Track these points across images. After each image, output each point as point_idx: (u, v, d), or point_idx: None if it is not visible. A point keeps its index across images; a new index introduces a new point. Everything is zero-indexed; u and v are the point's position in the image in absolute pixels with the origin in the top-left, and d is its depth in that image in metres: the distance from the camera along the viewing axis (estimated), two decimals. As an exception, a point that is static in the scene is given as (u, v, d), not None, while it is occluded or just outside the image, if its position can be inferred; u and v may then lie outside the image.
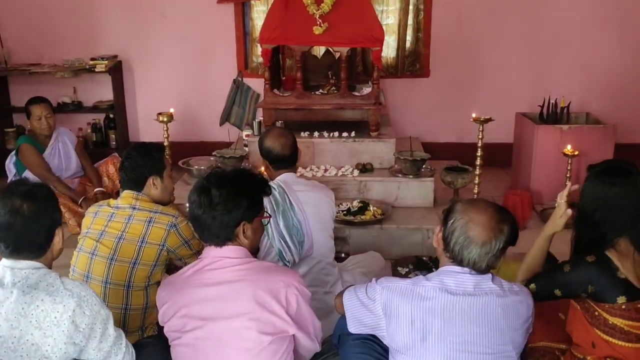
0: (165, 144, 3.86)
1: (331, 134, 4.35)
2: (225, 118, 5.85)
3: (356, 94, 4.33)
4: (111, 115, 5.73)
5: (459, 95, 5.65)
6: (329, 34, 4.12)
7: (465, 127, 5.61)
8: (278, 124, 4.31)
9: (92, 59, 5.48)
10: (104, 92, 5.77)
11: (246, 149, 4.51)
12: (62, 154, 4.32)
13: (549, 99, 4.81)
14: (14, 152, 4.31)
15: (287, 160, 2.87)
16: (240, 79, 5.76)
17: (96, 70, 5.42)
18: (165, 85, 5.78)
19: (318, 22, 4.11)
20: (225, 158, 4.12)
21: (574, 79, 5.51)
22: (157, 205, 2.76)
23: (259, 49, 5.70)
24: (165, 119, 3.80)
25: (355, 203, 3.93)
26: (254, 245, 2.12)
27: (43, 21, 5.68)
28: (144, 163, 2.77)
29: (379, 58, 4.20)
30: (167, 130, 3.91)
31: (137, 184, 2.77)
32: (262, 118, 4.50)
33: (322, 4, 4.12)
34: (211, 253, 2.01)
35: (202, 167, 4.77)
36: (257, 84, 5.71)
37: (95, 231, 2.67)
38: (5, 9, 5.63)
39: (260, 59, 5.72)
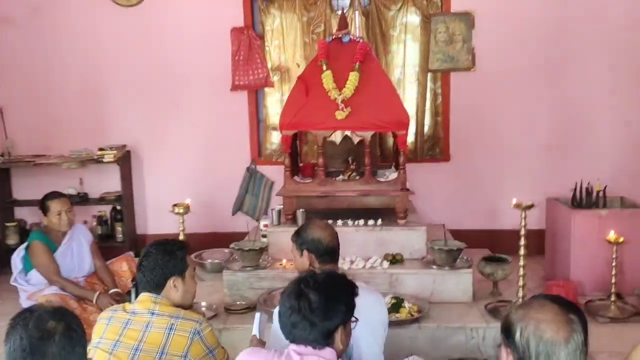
0: (181, 237, 3.56)
1: (355, 222, 4.07)
2: (238, 207, 5.62)
3: (381, 179, 4.09)
4: (118, 207, 5.46)
5: (481, 180, 5.43)
6: (352, 118, 3.94)
7: (490, 213, 5.39)
8: (299, 212, 4.04)
9: (100, 149, 5.28)
10: (111, 183, 5.53)
11: (264, 239, 4.21)
12: (76, 254, 4.02)
13: (581, 183, 4.57)
14: (23, 247, 4.02)
15: (335, 253, 2.61)
16: (253, 167, 5.58)
17: (104, 160, 5.21)
18: (176, 175, 5.56)
19: (340, 107, 3.93)
20: (244, 251, 3.81)
21: (601, 161, 5.29)
22: (178, 309, 2.45)
23: (272, 136, 5.56)
24: (181, 211, 3.52)
25: (388, 299, 3.59)
26: (345, 350, 2.04)
27: (49, 111, 5.52)
28: (164, 262, 2.49)
29: (405, 142, 4.00)
30: (182, 222, 3.63)
31: (156, 286, 2.48)
32: (281, 206, 4.23)
33: (343, 89, 3.96)
34: (306, 350, 1.92)
35: (217, 261, 4.47)
36: (271, 172, 5.53)
37: (108, 341, 2.34)
38: (10, 99, 5.49)
39: (274, 146, 5.57)
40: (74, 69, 5.48)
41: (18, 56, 5.46)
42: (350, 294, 2.04)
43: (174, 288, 2.48)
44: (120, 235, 5.43)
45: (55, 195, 4.02)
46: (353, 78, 3.97)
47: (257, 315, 2.62)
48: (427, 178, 5.46)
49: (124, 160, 5.39)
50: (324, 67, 4.04)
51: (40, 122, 5.54)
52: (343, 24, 4.28)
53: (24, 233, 5.46)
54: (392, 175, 4.13)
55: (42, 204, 3.97)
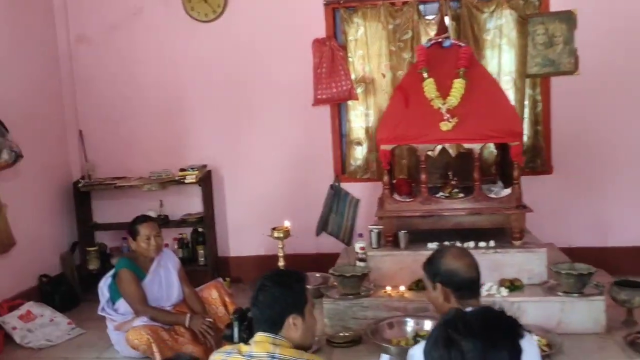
0: (281, 264, 3.28)
1: (464, 244, 3.69)
2: (322, 227, 5.30)
3: (493, 196, 3.71)
4: (200, 229, 5.26)
5: (589, 193, 4.94)
6: (459, 129, 3.58)
7: (601, 229, 4.92)
8: (401, 234, 3.70)
9: (181, 170, 5.09)
10: (191, 204, 5.35)
11: (362, 264, 3.89)
12: (164, 282, 3.80)
13: None
14: (110, 274, 3.82)
15: (476, 286, 2.25)
16: (337, 184, 5.27)
17: (186, 181, 5.01)
18: (257, 194, 5.32)
19: (445, 117, 3.58)
20: (346, 277, 3.49)
21: None
22: (300, 352, 2.16)
23: (356, 152, 5.25)
24: (281, 235, 3.24)
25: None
26: None
27: (126, 132, 5.38)
28: (282, 297, 2.20)
29: (519, 154, 3.63)
30: (282, 247, 3.34)
31: (273, 324, 2.18)
32: (379, 227, 3.90)
33: (448, 97, 3.62)
34: None
35: (309, 287, 4.16)
36: (355, 189, 5.22)
37: (225, 389, 2.06)
38: (88, 122, 5.38)
39: (359, 162, 5.25)
40: (151, 88, 5.34)
41: (96, 76, 5.36)
42: (513, 338, 1.59)
43: (294, 327, 2.19)
44: (202, 259, 5.22)
45: (144, 219, 3.82)
46: (458, 85, 3.62)
47: (385, 358, 2.28)
48: (528, 192, 4.99)
49: (205, 180, 5.19)
50: (425, 75, 3.70)
51: (118, 143, 5.41)
52: (442, 27, 3.96)
53: (104, 258, 5.34)
54: (503, 191, 3.74)
55: (132, 228, 3.77)
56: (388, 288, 3.53)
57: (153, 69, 5.32)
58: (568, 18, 4.82)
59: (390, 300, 3.48)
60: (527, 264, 3.58)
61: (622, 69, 4.84)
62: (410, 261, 3.64)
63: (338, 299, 3.54)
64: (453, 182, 4.07)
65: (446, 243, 3.70)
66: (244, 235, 5.37)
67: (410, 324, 3.27)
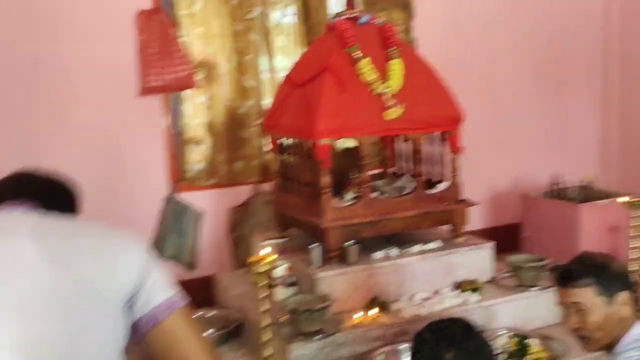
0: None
1: (413, 248, 3.22)
2: (158, 251, 4.18)
3: (432, 191, 3.31)
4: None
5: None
6: (405, 118, 3.09)
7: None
8: (351, 246, 3.02)
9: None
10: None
11: (292, 289, 3.07)
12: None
13: None
14: None
15: None
16: (174, 195, 4.21)
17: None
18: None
19: (389, 104, 3.05)
20: (311, 311, 2.62)
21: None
22: None
23: (195, 153, 4.27)
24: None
25: (506, 339, 2.85)
26: None
27: None
28: None
29: (459, 143, 3.30)
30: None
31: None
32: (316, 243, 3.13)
33: (389, 81, 3.09)
34: None
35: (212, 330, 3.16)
36: (197, 199, 4.27)
37: None
38: None
39: (201, 166, 4.28)
40: None
41: None
42: None
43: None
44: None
45: None
46: (397, 66, 3.12)
47: None
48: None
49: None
50: (359, 54, 3.10)
51: None
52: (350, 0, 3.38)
53: None
54: (440, 185, 3.37)
55: None
56: (357, 315, 2.83)
57: None
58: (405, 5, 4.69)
59: (367, 330, 2.79)
60: (477, 261, 3.30)
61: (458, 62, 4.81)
62: (365, 277, 3.02)
63: (302, 341, 2.68)
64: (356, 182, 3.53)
65: (393, 249, 3.18)
66: None
67: (407, 352, 2.65)
